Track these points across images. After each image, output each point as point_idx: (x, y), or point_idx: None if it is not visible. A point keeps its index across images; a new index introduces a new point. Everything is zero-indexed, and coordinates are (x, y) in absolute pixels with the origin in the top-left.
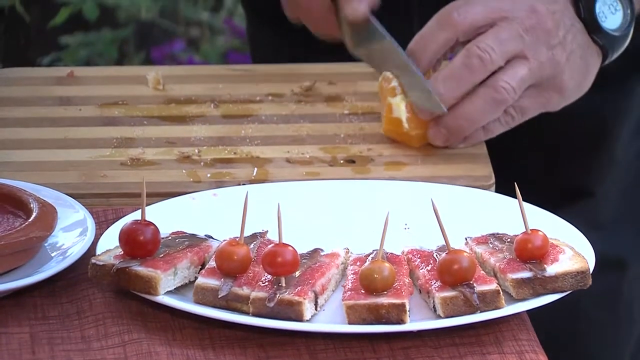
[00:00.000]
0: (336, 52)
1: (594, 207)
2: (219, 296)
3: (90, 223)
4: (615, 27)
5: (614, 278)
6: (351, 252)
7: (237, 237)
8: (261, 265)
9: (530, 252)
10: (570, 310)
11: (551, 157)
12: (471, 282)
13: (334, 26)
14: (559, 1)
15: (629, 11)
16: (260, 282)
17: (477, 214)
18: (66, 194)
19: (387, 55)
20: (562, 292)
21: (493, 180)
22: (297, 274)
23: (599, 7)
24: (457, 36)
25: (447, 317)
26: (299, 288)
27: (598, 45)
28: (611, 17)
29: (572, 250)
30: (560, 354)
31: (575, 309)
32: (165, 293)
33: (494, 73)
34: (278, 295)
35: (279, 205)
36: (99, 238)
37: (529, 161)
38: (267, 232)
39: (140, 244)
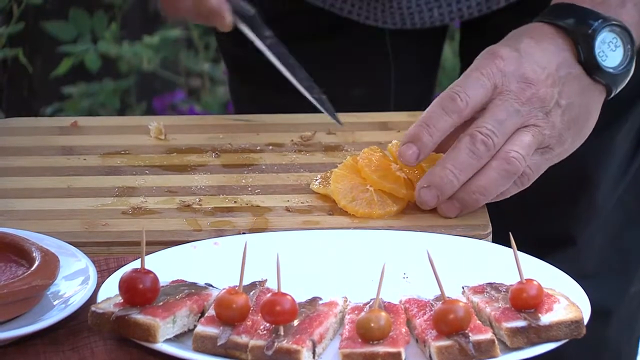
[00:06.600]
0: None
1: (577, 255)
2: (218, 344)
3: (92, 271)
4: (615, 64)
5: (599, 326)
6: (349, 301)
7: (236, 286)
8: (260, 314)
9: (525, 301)
10: (556, 358)
11: (532, 205)
12: (466, 331)
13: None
14: (550, 52)
15: (629, 46)
16: (259, 331)
17: (474, 264)
18: (68, 243)
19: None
20: (556, 341)
21: (490, 229)
22: (296, 322)
23: (598, 47)
24: (462, 120)
25: None
26: (297, 336)
27: (600, 84)
28: (611, 54)
29: (567, 300)
30: None
31: (561, 358)
32: (164, 341)
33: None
34: (276, 343)
35: (277, 255)
36: (101, 286)
37: (507, 209)
38: (266, 280)
39: (140, 292)
